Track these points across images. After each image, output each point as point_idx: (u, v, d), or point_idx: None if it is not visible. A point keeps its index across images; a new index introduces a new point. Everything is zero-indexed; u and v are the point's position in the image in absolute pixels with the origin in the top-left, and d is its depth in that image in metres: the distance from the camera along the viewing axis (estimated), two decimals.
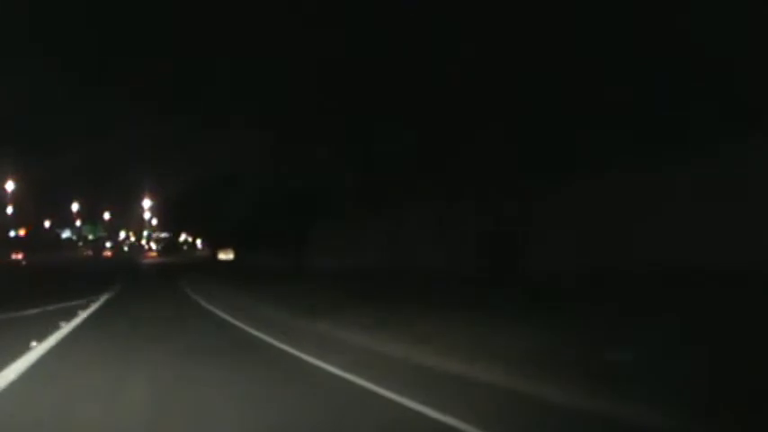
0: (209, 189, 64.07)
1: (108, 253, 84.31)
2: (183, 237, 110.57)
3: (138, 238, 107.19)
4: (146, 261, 74.28)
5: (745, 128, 8.62)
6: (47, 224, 69.23)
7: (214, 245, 77.00)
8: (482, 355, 6.92)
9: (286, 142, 23.69)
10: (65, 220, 71.23)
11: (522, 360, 6.54)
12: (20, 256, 60.05)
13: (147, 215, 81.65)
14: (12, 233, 63.66)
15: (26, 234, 66.10)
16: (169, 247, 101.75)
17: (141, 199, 79.63)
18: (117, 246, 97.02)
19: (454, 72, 13.54)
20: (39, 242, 64.81)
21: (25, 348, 8.55)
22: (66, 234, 76.22)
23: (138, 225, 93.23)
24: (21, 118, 46.48)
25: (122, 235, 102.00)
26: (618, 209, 10.65)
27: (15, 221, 62.93)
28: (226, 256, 76.51)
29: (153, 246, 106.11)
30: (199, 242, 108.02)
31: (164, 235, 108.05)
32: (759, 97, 8.56)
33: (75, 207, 69.32)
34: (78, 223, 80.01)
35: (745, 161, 8.74)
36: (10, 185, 55.07)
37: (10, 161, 49.53)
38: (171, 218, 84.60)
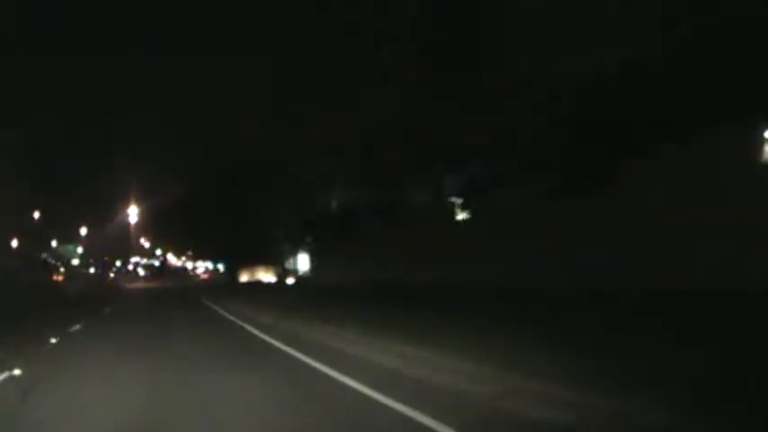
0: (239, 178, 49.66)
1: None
2: (172, 259, 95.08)
3: (125, 261, 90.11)
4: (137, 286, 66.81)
5: None
6: (14, 243, 51.59)
7: (236, 262, 59.91)
8: None
9: None
10: (31, 236, 53.47)
11: None
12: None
13: (133, 219, 63.66)
14: None
15: None
16: (157, 272, 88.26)
17: (126, 206, 61.78)
18: (103, 270, 79.83)
19: None
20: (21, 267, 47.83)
21: None
22: (41, 257, 58.69)
23: (122, 243, 75.07)
24: None
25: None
26: None
27: None
28: (251, 276, 59.12)
29: (141, 272, 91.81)
30: (190, 264, 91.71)
31: (155, 262, 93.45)
32: None
33: (36, 216, 51.89)
34: (54, 243, 62.12)
35: None
36: None
37: None
38: (164, 231, 67.58)
